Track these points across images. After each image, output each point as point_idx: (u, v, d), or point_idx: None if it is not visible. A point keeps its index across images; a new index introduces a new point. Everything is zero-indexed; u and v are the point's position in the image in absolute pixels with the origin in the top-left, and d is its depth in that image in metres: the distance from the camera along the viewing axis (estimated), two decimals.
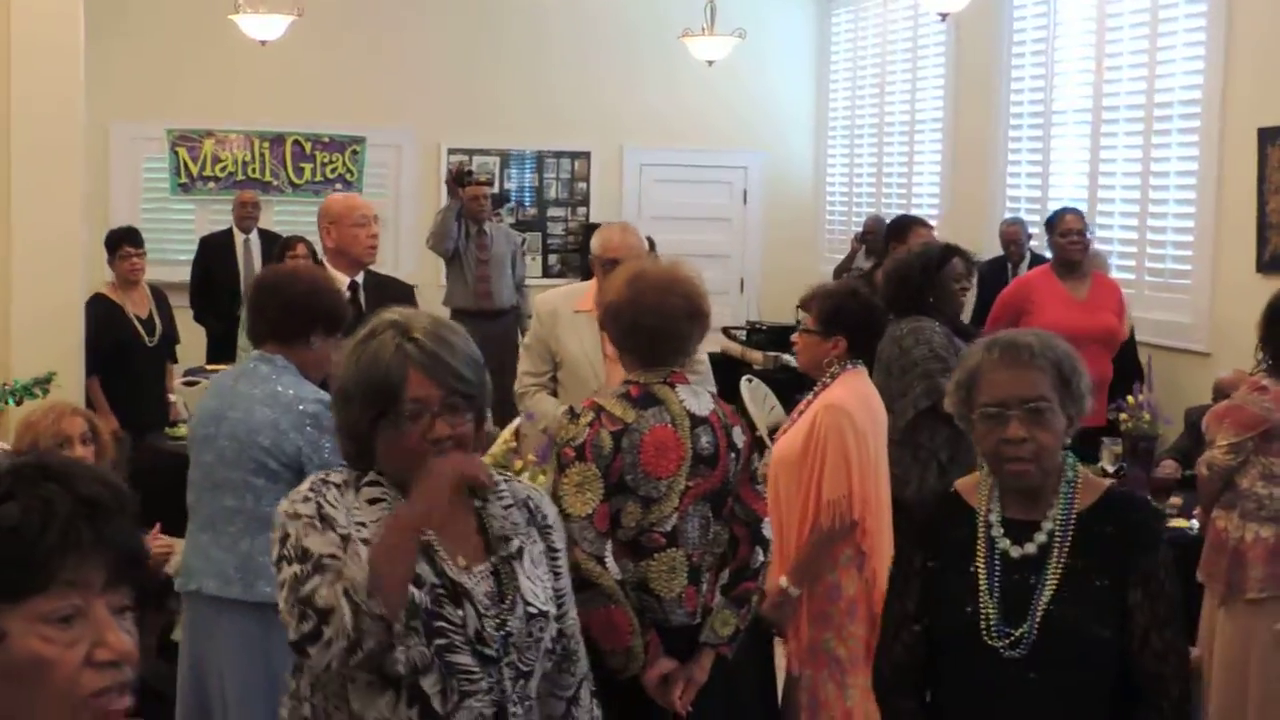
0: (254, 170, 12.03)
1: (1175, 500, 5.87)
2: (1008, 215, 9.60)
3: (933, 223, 11.05)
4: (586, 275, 12.46)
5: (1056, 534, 2.80)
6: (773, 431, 7.67)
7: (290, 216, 12.08)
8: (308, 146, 12.13)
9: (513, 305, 10.01)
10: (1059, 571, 2.77)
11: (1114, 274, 8.75)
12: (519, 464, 4.00)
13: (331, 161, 12.18)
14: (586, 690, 2.74)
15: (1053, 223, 6.85)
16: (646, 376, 3.75)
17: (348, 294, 5.36)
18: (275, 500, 3.73)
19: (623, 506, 3.64)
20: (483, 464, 2.58)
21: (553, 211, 12.73)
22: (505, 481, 2.66)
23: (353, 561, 2.37)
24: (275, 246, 8.38)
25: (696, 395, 3.77)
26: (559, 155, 12.71)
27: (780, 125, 12.92)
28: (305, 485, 2.57)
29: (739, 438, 3.80)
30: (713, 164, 12.83)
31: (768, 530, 3.87)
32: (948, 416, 5.55)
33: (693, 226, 12.82)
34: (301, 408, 3.82)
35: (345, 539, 2.43)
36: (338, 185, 12.21)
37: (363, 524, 2.47)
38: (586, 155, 12.73)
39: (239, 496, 3.84)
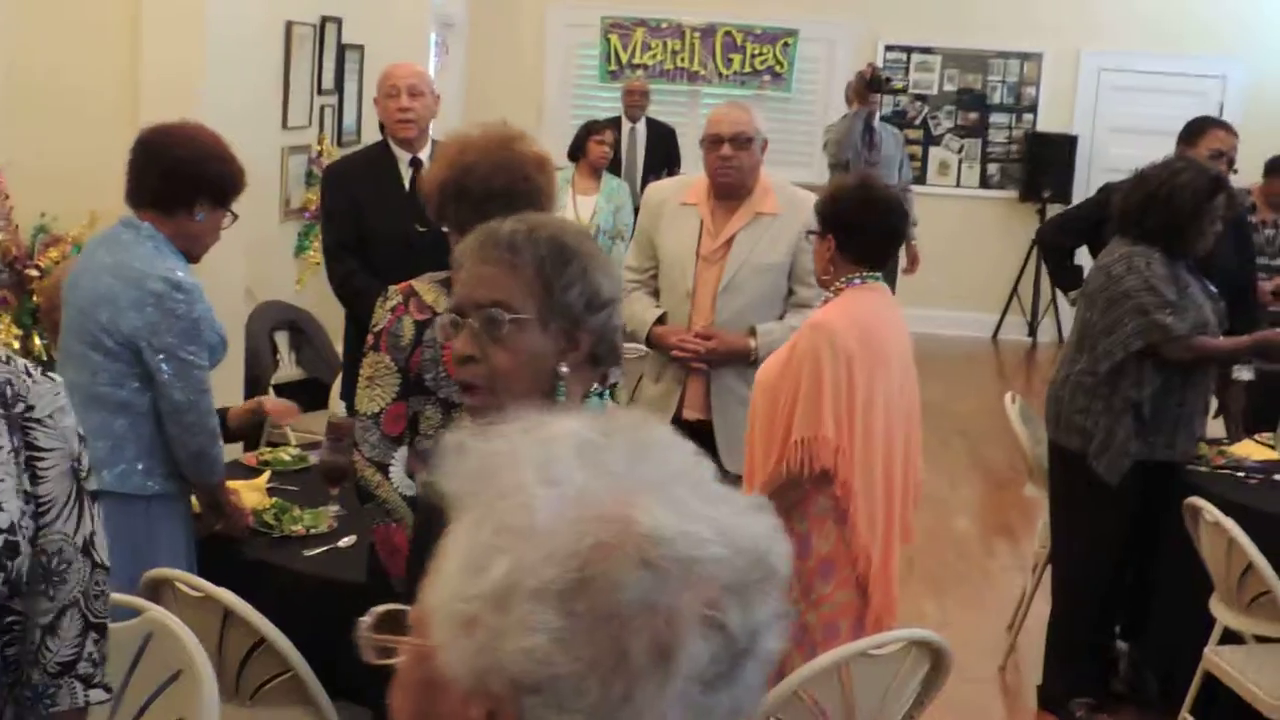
0: (682, 60, 11.77)
1: None
2: None
3: None
4: (1026, 191, 11.40)
5: None
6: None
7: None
8: (739, 38, 11.71)
9: None
10: None
11: None
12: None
13: (761, 54, 11.72)
14: (73, 621, 2.23)
15: None
16: None
17: (409, 172, 4.89)
18: (111, 380, 3.47)
19: (421, 410, 3.07)
20: None
21: (995, 118, 11.64)
22: None
23: None
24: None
25: None
26: (1006, 56, 11.58)
27: (1263, 29, 11.14)
28: None
29: None
30: (1183, 71, 11.27)
31: None
32: (1162, 361, 4.60)
33: (1156, 142, 11.21)
34: (149, 285, 3.43)
35: None
36: (765, 78, 11.75)
37: None
38: (1038, 57, 11.53)
39: (78, 370, 3.50)
